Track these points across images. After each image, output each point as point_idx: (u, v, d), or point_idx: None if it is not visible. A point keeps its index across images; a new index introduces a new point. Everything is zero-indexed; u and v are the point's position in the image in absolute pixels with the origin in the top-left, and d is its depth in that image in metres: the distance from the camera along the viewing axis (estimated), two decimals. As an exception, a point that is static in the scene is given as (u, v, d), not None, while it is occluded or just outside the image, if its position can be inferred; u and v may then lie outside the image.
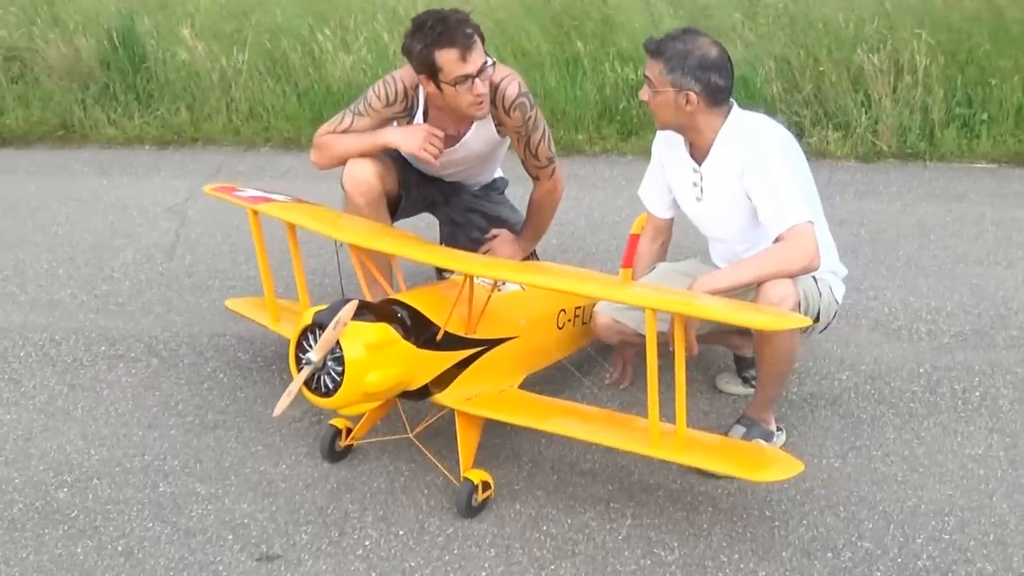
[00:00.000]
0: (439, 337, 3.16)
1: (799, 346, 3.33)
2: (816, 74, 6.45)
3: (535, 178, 4.04)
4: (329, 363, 2.92)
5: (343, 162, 3.85)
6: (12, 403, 3.90)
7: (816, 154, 5.95)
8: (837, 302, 3.55)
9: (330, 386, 2.93)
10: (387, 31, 7.14)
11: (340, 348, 2.90)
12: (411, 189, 4.11)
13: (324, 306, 2.99)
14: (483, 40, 3.63)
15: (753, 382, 3.75)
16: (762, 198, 3.28)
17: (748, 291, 3.23)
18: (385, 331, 3.01)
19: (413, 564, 2.99)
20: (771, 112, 5.32)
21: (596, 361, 3.87)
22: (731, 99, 3.40)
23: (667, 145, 3.56)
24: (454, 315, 3.20)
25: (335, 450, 3.44)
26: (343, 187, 3.86)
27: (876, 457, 3.43)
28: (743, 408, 3.57)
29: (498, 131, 3.86)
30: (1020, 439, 3.49)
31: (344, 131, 3.85)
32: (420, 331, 3.12)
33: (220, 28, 7.63)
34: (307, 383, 2.95)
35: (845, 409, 3.70)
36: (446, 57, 3.53)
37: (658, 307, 2.90)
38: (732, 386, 3.82)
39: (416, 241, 3.63)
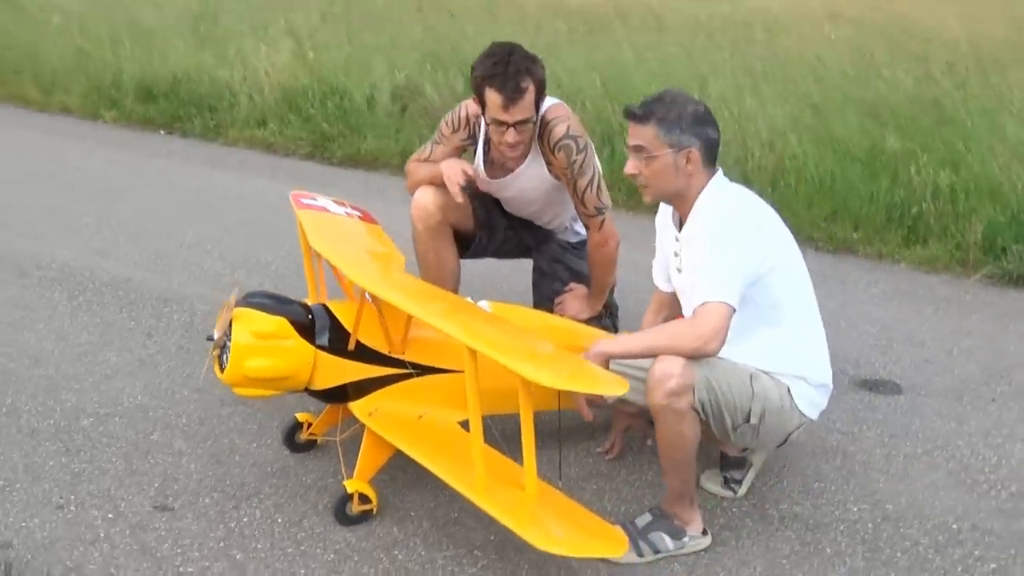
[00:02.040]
0: (350, 346, 3.30)
1: (694, 437, 2.99)
2: None
3: (586, 227, 3.99)
4: (227, 342, 3.21)
5: None
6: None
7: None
8: (801, 413, 3.13)
9: (224, 363, 3.22)
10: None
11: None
12: (497, 230, 4.24)
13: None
14: (540, 96, 3.68)
15: (734, 485, 3.42)
16: (694, 271, 3.04)
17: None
18: (279, 324, 3.23)
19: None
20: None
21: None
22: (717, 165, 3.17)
23: (661, 213, 3.39)
24: (377, 333, 3.32)
25: (295, 441, 3.68)
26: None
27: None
28: (722, 509, 3.34)
29: (549, 171, 3.88)
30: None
31: (424, 159, 4.10)
32: (327, 335, 3.29)
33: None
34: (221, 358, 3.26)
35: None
36: (491, 98, 3.65)
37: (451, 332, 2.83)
38: (711, 484, 3.47)
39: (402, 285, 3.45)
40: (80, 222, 6.42)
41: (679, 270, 3.23)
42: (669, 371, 2.87)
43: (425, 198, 4.01)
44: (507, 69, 3.62)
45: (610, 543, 2.76)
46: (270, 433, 3.79)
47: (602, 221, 3.91)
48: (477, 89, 3.71)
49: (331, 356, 3.28)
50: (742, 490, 3.43)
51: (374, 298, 3.29)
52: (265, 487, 3.47)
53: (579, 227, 4.24)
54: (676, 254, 3.23)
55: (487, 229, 4.21)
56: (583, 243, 4.24)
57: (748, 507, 3.40)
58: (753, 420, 3.04)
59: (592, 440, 3.77)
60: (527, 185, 3.98)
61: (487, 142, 3.96)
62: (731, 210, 3.05)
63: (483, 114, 3.74)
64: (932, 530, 3.27)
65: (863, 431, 3.92)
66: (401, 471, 3.49)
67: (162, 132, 9.18)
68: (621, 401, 3.33)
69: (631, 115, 3.06)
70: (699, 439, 2.99)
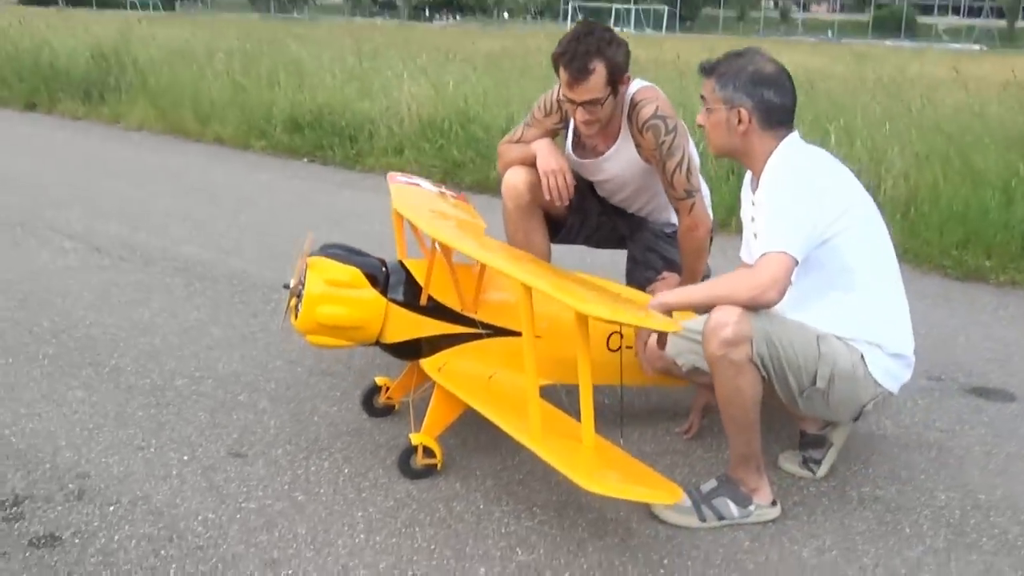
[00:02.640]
0: (422, 301, 3.32)
1: (754, 394, 2.86)
2: None
3: (676, 211, 3.91)
4: (302, 291, 3.28)
5: None
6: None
7: None
8: (876, 383, 2.98)
9: (299, 311, 3.28)
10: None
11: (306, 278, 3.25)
12: (590, 215, 4.21)
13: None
14: (615, 76, 3.63)
15: (812, 465, 3.27)
16: (759, 217, 2.96)
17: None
18: (352, 274, 3.27)
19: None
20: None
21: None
22: (793, 126, 3.09)
23: (745, 183, 3.32)
24: (451, 290, 3.33)
25: (373, 405, 3.71)
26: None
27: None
28: (798, 488, 3.21)
29: (639, 153, 3.84)
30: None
31: (516, 141, 4.11)
32: (401, 289, 3.32)
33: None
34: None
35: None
36: (562, 75, 3.66)
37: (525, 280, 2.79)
38: (789, 464, 3.32)
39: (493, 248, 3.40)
40: (211, 226, 6.70)
41: (755, 235, 3.13)
42: (724, 320, 2.78)
43: (516, 177, 4.00)
44: (577, 48, 3.60)
45: (663, 491, 2.66)
46: (352, 400, 3.82)
47: (692, 205, 3.83)
48: (554, 65, 3.72)
49: (403, 309, 3.31)
50: (821, 471, 3.26)
51: (446, 256, 3.30)
52: (337, 443, 3.49)
53: (674, 216, 4.16)
54: (752, 219, 3.14)
55: (580, 213, 4.17)
56: (675, 232, 4.17)
57: (827, 487, 3.24)
58: (820, 384, 2.90)
59: (672, 421, 3.67)
60: (617, 168, 3.94)
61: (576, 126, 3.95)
62: (799, 166, 2.96)
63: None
64: (1026, 521, 3.04)
65: (965, 430, 3.71)
66: (472, 436, 3.47)
67: (305, 160, 9.53)
68: (696, 371, 3.24)
69: (701, 67, 3.03)
70: (760, 397, 2.87)
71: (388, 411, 3.70)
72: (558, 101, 3.93)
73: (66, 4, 50.83)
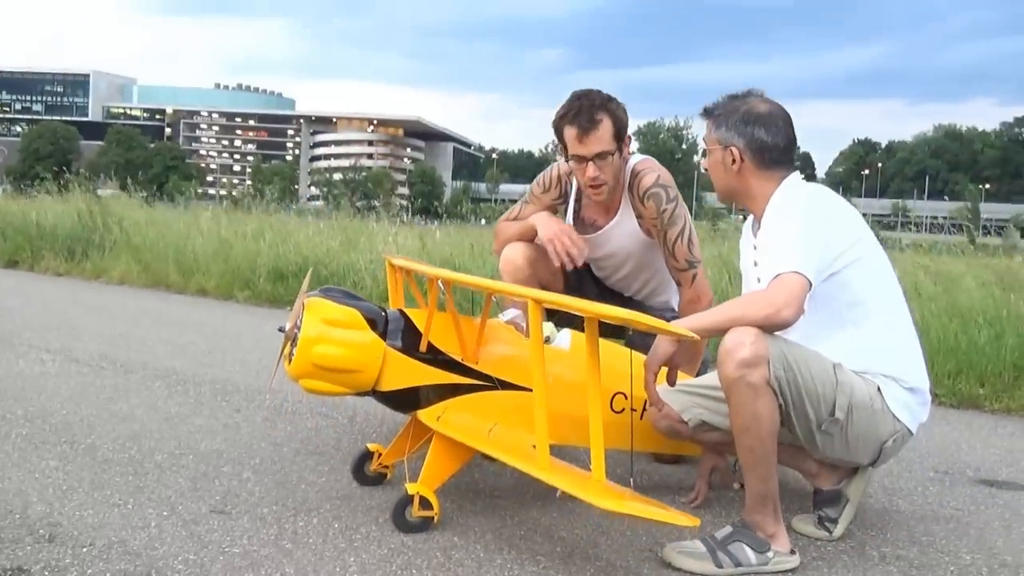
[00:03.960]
0: (422, 348, 3.21)
1: (772, 422, 2.74)
2: None
3: (677, 283, 3.87)
4: (297, 333, 3.17)
5: None
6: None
7: None
8: (895, 417, 2.88)
9: (293, 354, 3.16)
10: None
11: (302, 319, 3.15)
12: (587, 296, 4.14)
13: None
14: (620, 131, 3.70)
15: (828, 524, 3.12)
16: (763, 251, 2.91)
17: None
18: (351, 315, 3.17)
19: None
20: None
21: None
22: (793, 167, 3.09)
23: (744, 230, 3.30)
24: (452, 339, 3.23)
25: (364, 472, 3.53)
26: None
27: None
28: (815, 546, 3.04)
29: (640, 225, 3.83)
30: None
31: (514, 218, 4.11)
32: (400, 334, 3.21)
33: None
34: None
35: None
36: (568, 135, 3.70)
37: (541, 299, 2.72)
38: (804, 525, 3.16)
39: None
40: (194, 348, 6.57)
41: (759, 280, 3.08)
42: (740, 339, 2.70)
43: (514, 252, 3.98)
44: (582, 104, 3.68)
45: (680, 517, 2.51)
46: (342, 473, 3.65)
47: (694, 276, 3.80)
48: (557, 133, 3.76)
49: (402, 355, 3.19)
50: (838, 530, 3.10)
51: (448, 303, 3.22)
52: (326, 504, 3.31)
53: (674, 299, 4.12)
54: (756, 263, 3.10)
55: (576, 294, 4.10)
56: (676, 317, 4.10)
57: (845, 546, 3.08)
58: (839, 414, 2.79)
59: (679, 492, 3.51)
60: (618, 242, 3.93)
61: (578, 200, 3.95)
62: (804, 199, 2.95)
63: (567, 158, 3.76)
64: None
65: (981, 510, 3.57)
66: (468, 501, 3.32)
67: (288, 308, 9.45)
68: (704, 426, 3.13)
69: (703, 110, 3.08)
70: (776, 426, 2.75)
71: (380, 479, 3.53)
72: (558, 176, 3.95)
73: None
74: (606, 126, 3.67)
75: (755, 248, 3.08)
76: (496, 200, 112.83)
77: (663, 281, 4.05)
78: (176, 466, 3.70)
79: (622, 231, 3.87)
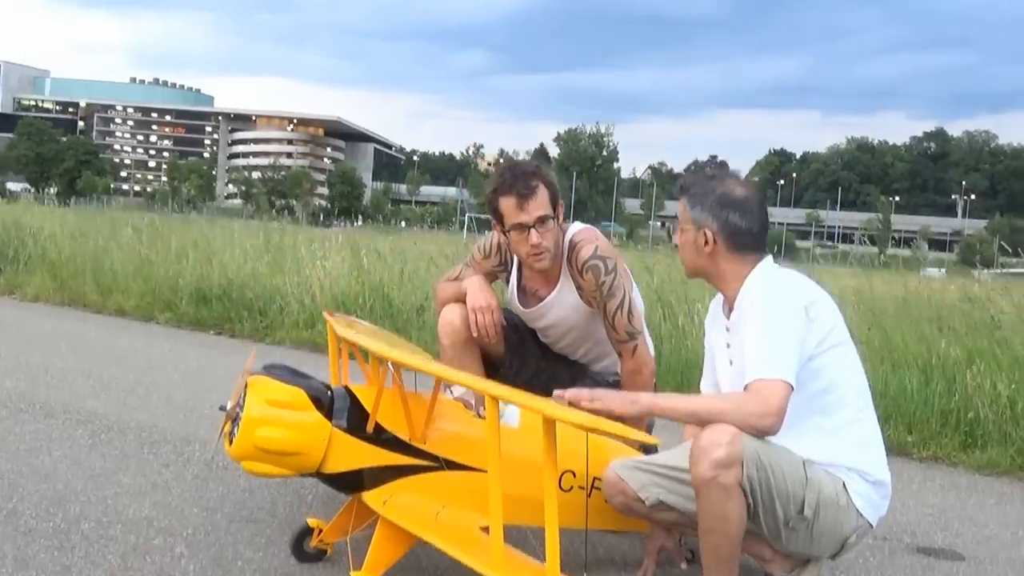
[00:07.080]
0: (369, 428, 3.12)
1: (740, 523, 2.72)
2: None
3: (619, 354, 3.84)
4: (239, 412, 3.05)
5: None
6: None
7: None
8: (859, 513, 2.88)
9: (235, 435, 3.04)
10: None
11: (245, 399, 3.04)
12: (529, 358, 4.09)
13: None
14: (554, 197, 3.68)
15: (781, 613, 3.09)
16: (743, 352, 2.88)
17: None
18: (296, 395, 3.07)
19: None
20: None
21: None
22: (765, 251, 3.08)
23: (712, 308, 3.28)
24: (399, 419, 3.14)
25: (304, 549, 3.42)
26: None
27: None
28: None
29: (580, 296, 3.79)
30: None
31: (454, 279, 4.04)
32: (346, 414, 3.12)
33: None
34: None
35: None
36: (506, 204, 3.65)
37: (500, 396, 2.65)
38: (754, 610, 3.14)
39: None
40: (117, 384, 6.36)
41: (730, 362, 3.07)
42: (717, 439, 2.67)
43: (452, 314, 3.92)
44: (515, 172, 3.68)
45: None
46: (279, 545, 3.53)
47: (635, 348, 3.77)
48: (492, 207, 3.71)
49: (348, 436, 3.10)
50: (789, 618, 3.08)
51: (396, 385, 3.13)
52: (266, 587, 3.19)
53: (619, 365, 4.09)
54: (728, 345, 3.08)
55: (519, 356, 4.06)
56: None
57: (796, 636, 3.05)
58: (807, 512, 2.78)
59: (624, 568, 3.47)
60: (559, 313, 3.89)
61: (520, 270, 3.91)
62: (780, 288, 2.94)
63: (505, 232, 3.70)
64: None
65: (922, 586, 3.58)
66: (413, 581, 3.22)
67: (212, 332, 9.26)
68: (660, 506, 3.09)
69: (678, 185, 3.05)
70: (744, 527, 2.73)
71: (320, 556, 3.42)
72: (498, 244, 3.91)
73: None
74: (542, 191, 3.64)
75: (727, 330, 3.06)
76: (415, 202, 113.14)
77: (607, 348, 4.01)
78: (104, 538, 3.55)
79: (563, 302, 3.83)
